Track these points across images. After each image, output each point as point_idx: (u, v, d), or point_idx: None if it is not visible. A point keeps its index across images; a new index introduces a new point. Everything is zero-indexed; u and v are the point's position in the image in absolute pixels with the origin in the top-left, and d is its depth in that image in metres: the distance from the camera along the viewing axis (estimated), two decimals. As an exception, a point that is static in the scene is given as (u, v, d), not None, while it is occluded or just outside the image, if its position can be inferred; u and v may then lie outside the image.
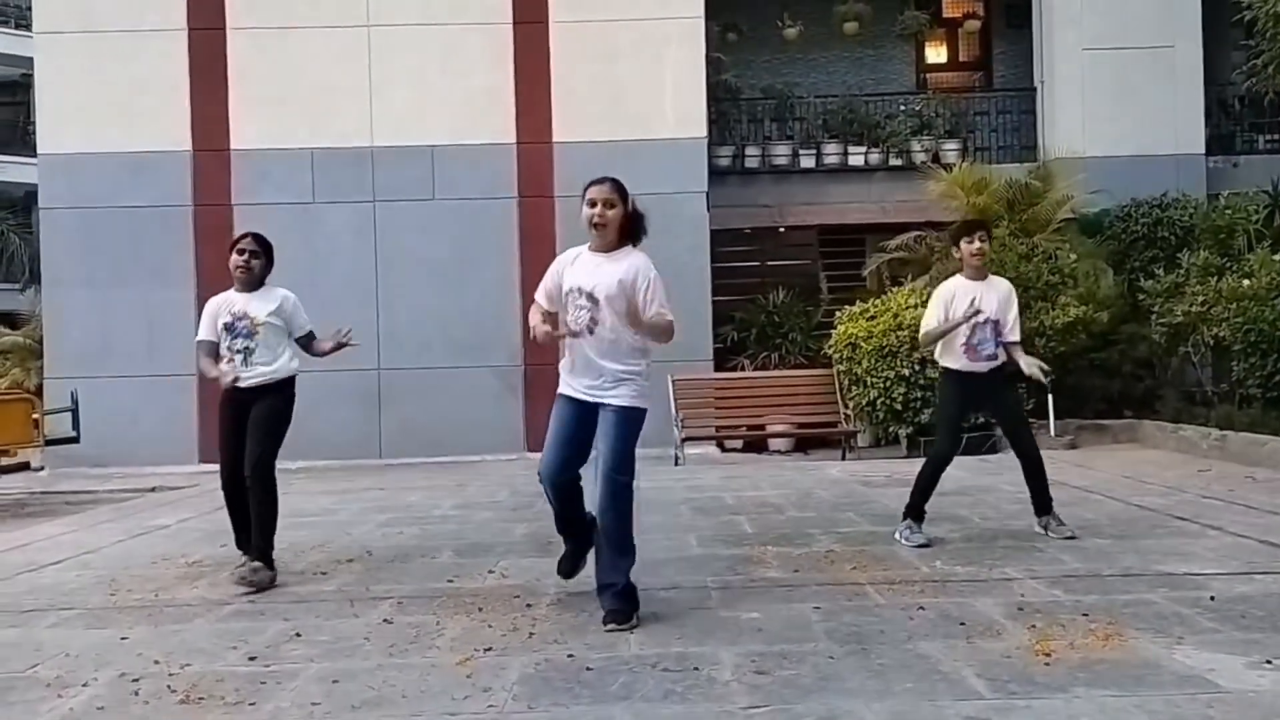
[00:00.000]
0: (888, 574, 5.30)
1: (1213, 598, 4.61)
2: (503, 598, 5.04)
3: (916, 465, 10.41)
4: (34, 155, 14.96)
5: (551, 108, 13.56)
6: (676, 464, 11.60)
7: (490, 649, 4.18)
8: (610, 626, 4.44)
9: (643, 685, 3.68)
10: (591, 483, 4.71)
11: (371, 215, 13.47)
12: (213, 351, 5.88)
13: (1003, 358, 6.28)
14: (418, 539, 6.87)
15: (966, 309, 6.07)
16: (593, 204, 4.62)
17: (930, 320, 6.29)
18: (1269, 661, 3.71)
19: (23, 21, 25.35)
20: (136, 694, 3.79)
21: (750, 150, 15.63)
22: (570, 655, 4.06)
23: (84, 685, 3.90)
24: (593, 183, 4.69)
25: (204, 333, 5.93)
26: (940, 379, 6.65)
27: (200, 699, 3.71)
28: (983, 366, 6.19)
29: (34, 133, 15.64)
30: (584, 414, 4.67)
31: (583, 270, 4.65)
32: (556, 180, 13.44)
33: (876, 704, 3.43)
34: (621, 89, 13.54)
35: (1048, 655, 3.84)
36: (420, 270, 13.32)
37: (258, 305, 5.83)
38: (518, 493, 9.17)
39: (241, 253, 5.85)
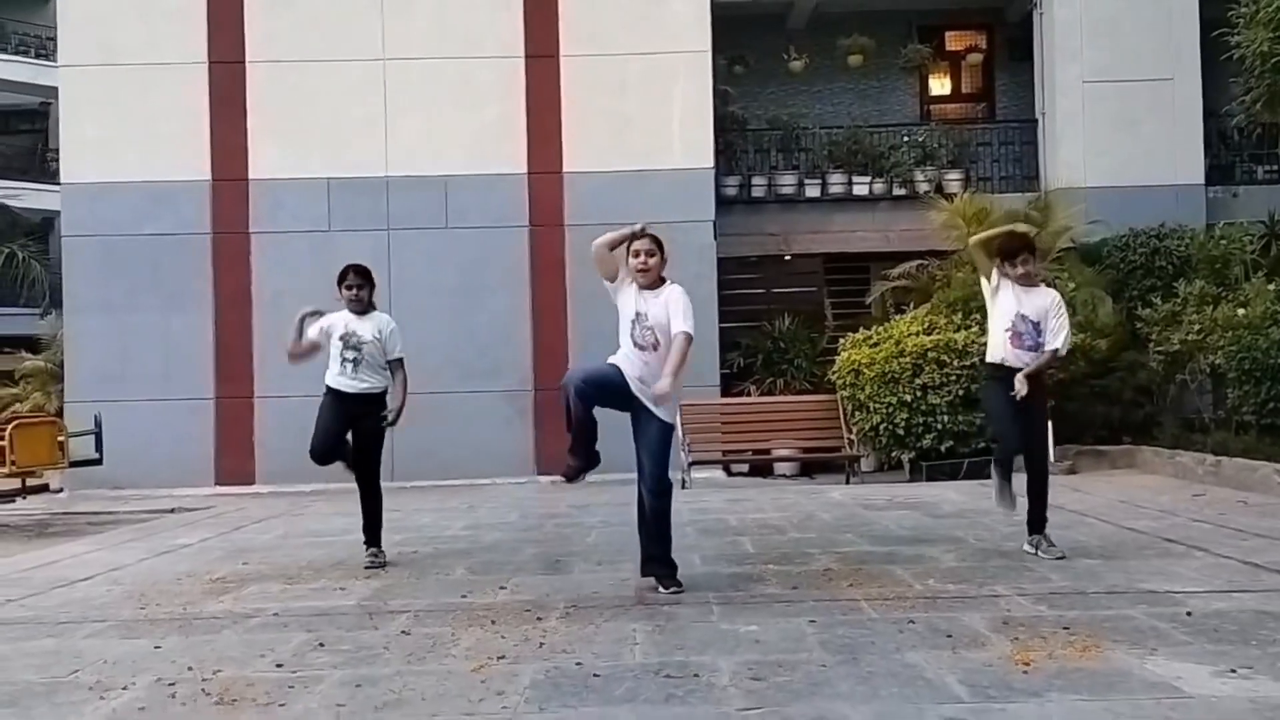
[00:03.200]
0: (882, 590, 5.54)
1: (1189, 613, 4.83)
2: (514, 611, 5.30)
3: (919, 489, 10.64)
4: (52, 182, 15.36)
5: (562, 139, 13.90)
6: (684, 487, 11.82)
7: (503, 657, 4.44)
8: (672, 589, 5.53)
9: (646, 690, 3.93)
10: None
11: (386, 243, 13.76)
12: (309, 347, 6.96)
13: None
14: (431, 558, 7.11)
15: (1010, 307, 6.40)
16: (637, 254, 5.66)
17: (986, 290, 6.66)
18: (1233, 670, 3.94)
19: (42, 51, 25.84)
20: (174, 696, 4.05)
21: (756, 180, 15.94)
22: (578, 663, 4.30)
23: (124, 689, 4.16)
24: (637, 235, 5.71)
25: (313, 329, 6.96)
26: (982, 382, 6.96)
27: (234, 700, 3.97)
28: (1022, 359, 6.36)
29: (52, 160, 16.04)
30: (625, 389, 5.60)
31: (642, 301, 5.66)
32: (567, 209, 13.78)
33: (863, 706, 3.69)
34: (630, 121, 13.89)
35: (1027, 664, 4.08)
36: (433, 297, 13.56)
37: (365, 327, 6.87)
38: (527, 515, 9.44)
39: (350, 287, 6.87)
